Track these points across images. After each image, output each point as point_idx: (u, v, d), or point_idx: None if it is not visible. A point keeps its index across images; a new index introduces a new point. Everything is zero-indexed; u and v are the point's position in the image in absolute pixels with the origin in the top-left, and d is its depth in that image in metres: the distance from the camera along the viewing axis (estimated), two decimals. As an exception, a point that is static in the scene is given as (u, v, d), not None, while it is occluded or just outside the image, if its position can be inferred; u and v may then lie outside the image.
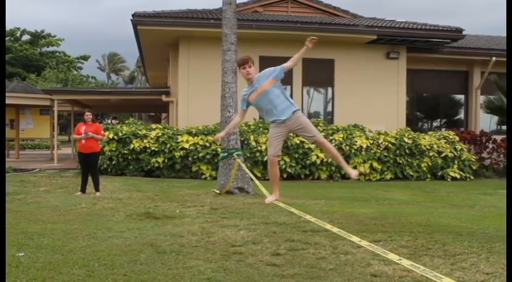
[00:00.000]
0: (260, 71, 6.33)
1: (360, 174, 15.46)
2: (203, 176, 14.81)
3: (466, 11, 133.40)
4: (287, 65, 6.14)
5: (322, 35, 16.81)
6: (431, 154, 16.20)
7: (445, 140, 16.80)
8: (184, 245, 5.77)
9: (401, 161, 15.85)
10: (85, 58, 50.09)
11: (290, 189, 11.47)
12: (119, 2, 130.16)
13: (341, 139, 15.49)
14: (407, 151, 15.88)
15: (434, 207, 9.84)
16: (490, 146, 18.58)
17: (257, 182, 7.29)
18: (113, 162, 14.99)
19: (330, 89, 18.25)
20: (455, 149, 16.58)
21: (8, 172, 15.60)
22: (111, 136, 14.98)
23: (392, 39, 17.66)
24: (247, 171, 9.07)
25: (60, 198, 9.84)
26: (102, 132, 11.27)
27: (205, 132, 15.40)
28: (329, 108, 18.46)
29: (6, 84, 24.13)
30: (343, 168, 6.51)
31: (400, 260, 3.65)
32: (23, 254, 5.24)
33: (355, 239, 4.31)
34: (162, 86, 23.48)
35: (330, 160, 15.18)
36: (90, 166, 10.94)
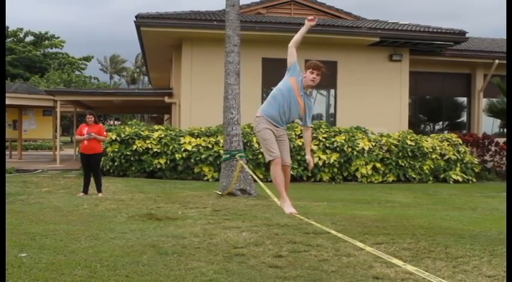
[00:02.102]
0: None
1: (362, 176, 15.48)
2: (205, 178, 14.82)
3: (470, 13, 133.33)
4: (308, 130, 6.03)
5: (325, 37, 16.85)
6: (433, 156, 16.17)
7: (448, 143, 16.78)
8: (186, 247, 5.78)
9: (403, 164, 15.83)
10: (88, 59, 50.19)
11: (292, 191, 11.39)
12: (122, 5, 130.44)
13: (343, 141, 15.49)
14: (409, 153, 15.86)
15: (437, 209, 9.83)
16: (493, 148, 18.56)
17: (261, 184, 7.27)
18: (115, 163, 15.01)
19: (332, 91, 18.24)
20: (458, 151, 16.55)
21: (10, 173, 15.63)
22: (113, 137, 15.00)
23: (395, 41, 17.66)
24: (251, 172, 9.07)
25: (62, 199, 9.85)
26: (105, 133, 11.27)
27: (207, 133, 15.41)
28: (331, 110, 18.45)
29: (9, 85, 24.19)
30: (280, 197, 5.84)
31: (404, 265, 3.65)
32: (25, 254, 5.25)
33: (369, 249, 4.30)
34: (164, 88, 23.52)
35: (332, 162, 15.19)
36: (92, 167, 10.93)
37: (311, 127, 6.11)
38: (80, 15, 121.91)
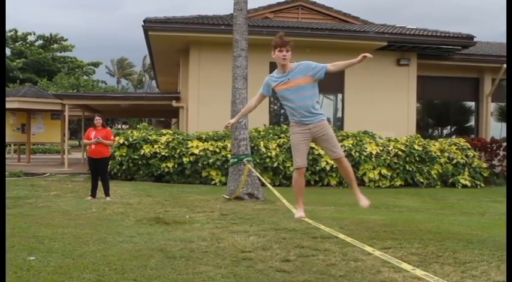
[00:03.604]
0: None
1: (370, 180, 15.44)
2: (213, 182, 14.83)
3: (479, 17, 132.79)
4: (330, 68, 5.32)
5: (332, 41, 16.86)
6: (442, 160, 16.11)
7: (456, 147, 16.70)
8: (194, 251, 5.78)
9: (411, 168, 15.77)
10: (96, 64, 50.26)
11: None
12: (134, 10, 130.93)
13: (351, 145, 15.46)
14: (417, 158, 15.81)
15: (445, 214, 9.79)
16: (501, 153, 18.46)
17: (271, 187, 7.25)
18: (123, 167, 15.05)
19: (339, 95, 18.24)
20: (466, 156, 16.48)
21: (19, 176, 15.71)
22: (121, 141, 15.05)
23: (402, 45, 17.64)
24: (260, 177, 9.05)
25: (70, 203, 9.89)
26: (112, 137, 11.29)
27: (215, 138, 15.43)
28: (339, 115, 18.45)
29: (18, 89, 24.33)
30: (355, 194, 5.76)
31: (413, 269, 3.64)
32: (34, 258, 5.27)
33: (378, 253, 4.29)
34: (172, 92, 23.57)
35: (339, 166, 15.15)
36: (99, 171, 10.95)
37: (329, 65, 5.40)
38: (91, 20, 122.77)
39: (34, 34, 45.91)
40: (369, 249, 4.22)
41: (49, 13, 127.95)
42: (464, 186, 15.85)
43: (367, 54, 5.01)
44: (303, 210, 5.53)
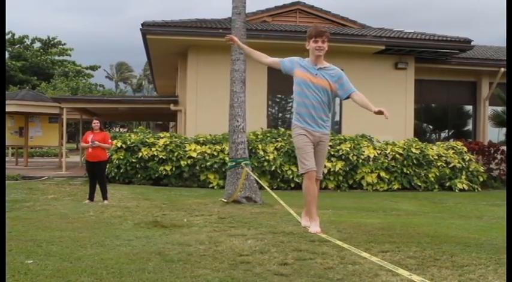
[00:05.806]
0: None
1: (368, 184, 15.45)
2: (211, 185, 14.83)
3: (480, 22, 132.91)
4: (354, 96, 4.98)
5: (330, 45, 16.83)
6: (439, 164, 16.14)
7: (453, 151, 16.73)
8: (192, 254, 5.78)
9: (408, 172, 15.80)
10: (94, 68, 50.26)
11: (298, 199, 11.42)
12: (137, 14, 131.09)
13: (348, 149, 15.48)
14: (414, 161, 15.84)
15: (442, 218, 9.80)
16: (499, 156, 18.51)
17: (270, 190, 7.26)
18: (121, 171, 15.04)
19: (337, 99, 18.22)
20: (463, 159, 16.51)
21: (16, 179, 15.70)
22: (119, 144, 15.04)
23: (400, 49, 17.68)
24: (258, 180, 9.07)
25: (68, 206, 9.88)
26: (110, 140, 11.27)
27: (213, 141, 15.44)
28: (336, 118, 18.45)
29: (16, 92, 24.32)
30: (307, 213, 5.36)
31: (410, 275, 3.65)
32: (31, 261, 5.26)
33: (374, 259, 4.30)
34: (170, 95, 23.59)
35: (337, 170, 15.17)
36: (97, 174, 10.96)
37: (356, 91, 5.04)
38: (91, 24, 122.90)
39: (33, 39, 45.96)
40: (366, 255, 4.22)
41: (49, 16, 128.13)
42: (461, 189, 15.88)
43: (384, 112, 4.71)
44: (318, 224, 5.24)
